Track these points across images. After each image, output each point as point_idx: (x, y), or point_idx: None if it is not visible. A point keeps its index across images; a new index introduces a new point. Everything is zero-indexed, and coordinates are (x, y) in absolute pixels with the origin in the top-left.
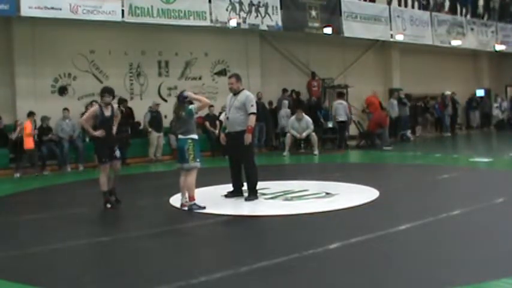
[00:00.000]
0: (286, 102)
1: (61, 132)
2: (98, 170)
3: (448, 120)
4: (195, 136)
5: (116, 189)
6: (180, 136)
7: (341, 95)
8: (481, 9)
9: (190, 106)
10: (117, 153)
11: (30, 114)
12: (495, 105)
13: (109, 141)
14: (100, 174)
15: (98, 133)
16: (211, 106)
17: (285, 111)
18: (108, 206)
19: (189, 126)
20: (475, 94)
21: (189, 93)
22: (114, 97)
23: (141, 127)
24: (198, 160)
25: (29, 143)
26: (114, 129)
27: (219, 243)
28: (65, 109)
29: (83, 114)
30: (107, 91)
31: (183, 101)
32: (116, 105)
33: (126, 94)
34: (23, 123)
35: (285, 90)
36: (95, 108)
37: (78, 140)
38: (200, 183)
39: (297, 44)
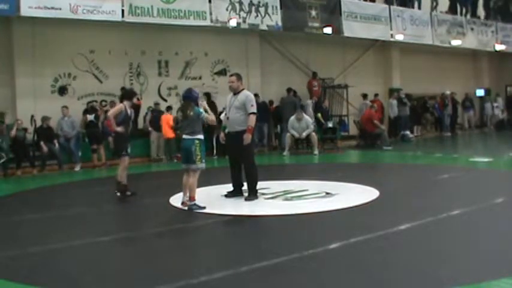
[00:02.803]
0: (310, 101)
1: (61, 131)
2: (98, 169)
3: (447, 120)
4: (202, 136)
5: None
6: (185, 136)
7: (365, 96)
8: (481, 9)
9: (201, 109)
10: (129, 149)
11: (169, 108)
12: (495, 104)
13: (126, 137)
14: (121, 166)
15: (120, 129)
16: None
17: (309, 112)
18: (128, 193)
19: (196, 126)
20: (475, 93)
21: (203, 103)
22: None
23: (141, 127)
24: (203, 161)
25: (169, 133)
26: (129, 128)
27: (219, 243)
28: (64, 107)
29: (85, 111)
30: (135, 94)
31: (195, 100)
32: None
33: None
34: (22, 122)
35: (289, 90)
36: (121, 106)
37: (73, 140)
38: (200, 183)
39: (297, 44)
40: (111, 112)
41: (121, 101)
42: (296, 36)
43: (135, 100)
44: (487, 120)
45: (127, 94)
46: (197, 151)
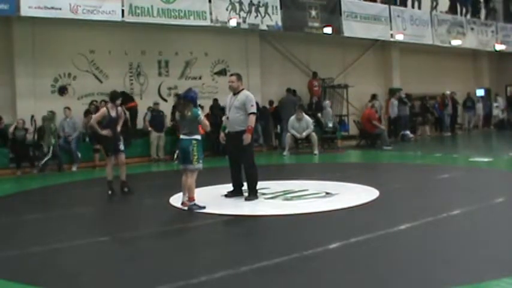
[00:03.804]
0: (327, 102)
1: (62, 132)
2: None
3: (447, 120)
4: (199, 137)
5: (117, 187)
6: (183, 136)
7: (375, 96)
8: (481, 9)
9: (199, 111)
10: (121, 146)
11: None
12: (495, 104)
13: (114, 138)
14: (107, 165)
15: (106, 132)
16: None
17: (326, 111)
18: (109, 192)
19: (193, 127)
20: (475, 93)
21: (202, 113)
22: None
23: (141, 127)
24: (200, 162)
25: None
26: (119, 127)
27: (219, 243)
28: (66, 108)
29: (86, 112)
30: (119, 96)
31: (193, 101)
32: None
33: None
34: (24, 122)
35: (288, 90)
36: (104, 110)
37: (73, 141)
38: (200, 183)
39: (297, 44)
40: (93, 118)
41: (122, 103)
42: (296, 36)
43: (118, 102)
44: (476, 121)
45: (109, 96)
46: (194, 151)
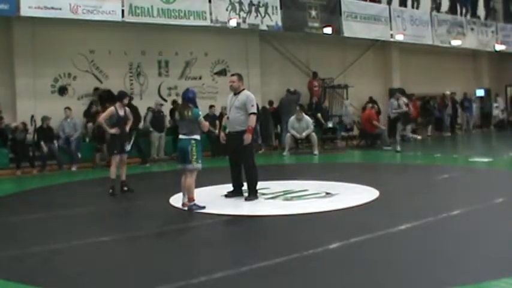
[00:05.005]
0: (348, 101)
1: (62, 132)
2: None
3: (447, 120)
4: (198, 137)
5: (118, 187)
6: (182, 136)
7: (393, 95)
8: (481, 9)
9: (200, 112)
10: (127, 147)
11: None
12: (495, 105)
13: (121, 136)
14: (111, 164)
15: (114, 130)
16: (213, 106)
17: (346, 110)
18: (110, 191)
19: (192, 127)
20: (474, 93)
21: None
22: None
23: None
24: (200, 161)
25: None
26: (127, 127)
27: (219, 243)
28: (67, 108)
29: (85, 112)
30: (126, 95)
31: (192, 101)
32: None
33: None
34: (25, 125)
35: (288, 91)
36: (112, 109)
37: (74, 141)
38: (200, 183)
39: (297, 44)
40: (102, 117)
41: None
42: (296, 36)
43: (125, 101)
44: (475, 121)
45: (117, 96)
46: (193, 151)
